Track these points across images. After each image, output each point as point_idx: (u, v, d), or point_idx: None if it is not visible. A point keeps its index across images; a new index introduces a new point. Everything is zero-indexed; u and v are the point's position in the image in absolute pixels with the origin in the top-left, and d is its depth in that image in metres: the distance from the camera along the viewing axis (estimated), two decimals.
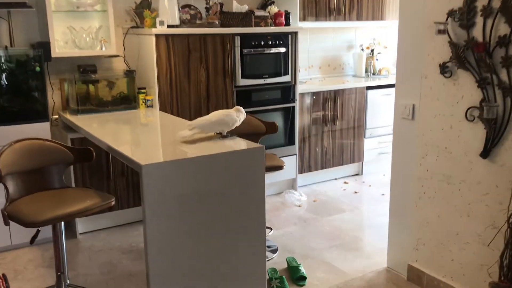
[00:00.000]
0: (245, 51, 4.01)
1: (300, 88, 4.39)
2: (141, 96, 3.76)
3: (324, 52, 5.21)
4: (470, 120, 2.47)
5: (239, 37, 3.96)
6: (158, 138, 2.90)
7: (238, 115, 2.56)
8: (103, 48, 3.74)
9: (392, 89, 4.99)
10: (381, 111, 4.97)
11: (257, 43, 4.06)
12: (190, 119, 3.83)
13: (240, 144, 2.52)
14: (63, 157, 2.71)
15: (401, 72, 2.87)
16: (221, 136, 2.58)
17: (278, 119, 4.29)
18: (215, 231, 2.38)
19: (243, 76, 4.03)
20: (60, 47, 3.67)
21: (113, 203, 2.56)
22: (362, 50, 5.31)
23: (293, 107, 4.35)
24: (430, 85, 2.66)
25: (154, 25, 3.74)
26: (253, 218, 2.47)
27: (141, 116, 3.56)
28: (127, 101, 3.73)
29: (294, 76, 4.31)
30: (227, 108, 3.99)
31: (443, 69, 2.55)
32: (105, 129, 3.12)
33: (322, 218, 3.92)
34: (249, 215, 2.46)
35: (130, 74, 3.74)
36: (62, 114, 3.66)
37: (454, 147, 2.57)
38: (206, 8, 4.13)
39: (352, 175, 5.01)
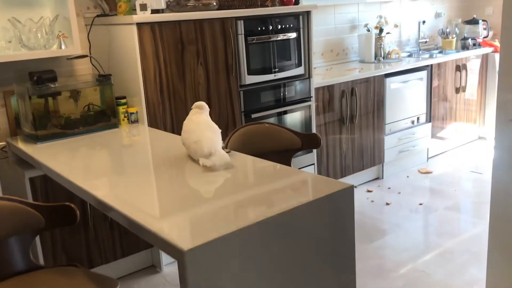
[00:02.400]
0: (250, 39, 3.09)
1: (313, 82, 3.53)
2: (121, 109, 2.78)
3: (326, 36, 4.36)
4: None
5: (242, 21, 3.03)
6: (179, 177, 1.94)
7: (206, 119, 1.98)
8: (63, 46, 2.71)
9: (411, 75, 4.24)
10: (400, 102, 4.20)
11: (264, 28, 3.15)
12: None
13: (313, 182, 1.63)
14: (28, 221, 1.73)
15: (508, 58, 2.06)
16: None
17: (292, 122, 3.41)
18: None
19: (249, 72, 3.12)
20: (0, 48, 2.62)
21: None
22: (368, 30, 4.50)
23: (309, 106, 3.49)
24: None
25: (131, 11, 2.76)
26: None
27: (124, 137, 2.59)
28: (104, 118, 2.72)
29: (308, 67, 3.44)
30: (233, 117, 3.08)
31: None
32: (82, 164, 2.13)
33: (364, 245, 3.10)
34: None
35: (105, 80, 2.72)
36: (12, 142, 2.62)
37: None
38: None
39: (373, 180, 4.23)
